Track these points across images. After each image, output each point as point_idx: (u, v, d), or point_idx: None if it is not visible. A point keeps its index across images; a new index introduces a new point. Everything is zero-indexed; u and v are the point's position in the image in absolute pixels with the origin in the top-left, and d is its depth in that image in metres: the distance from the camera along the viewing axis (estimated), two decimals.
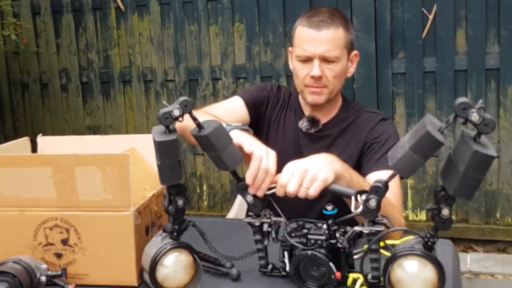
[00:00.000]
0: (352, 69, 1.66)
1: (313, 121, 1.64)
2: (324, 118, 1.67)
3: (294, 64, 1.62)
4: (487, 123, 0.90)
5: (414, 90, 2.97)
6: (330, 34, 1.54)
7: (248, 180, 1.18)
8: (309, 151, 1.58)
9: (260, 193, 1.18)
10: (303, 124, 1.66)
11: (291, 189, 1.18)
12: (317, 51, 1.54)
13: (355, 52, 1.65)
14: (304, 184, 1.18)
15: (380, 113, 1.70)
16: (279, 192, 1.19)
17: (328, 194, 1.21)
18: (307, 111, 1.69)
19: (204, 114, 1.46)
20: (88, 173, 1.19)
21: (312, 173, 1.18)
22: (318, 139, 1.65)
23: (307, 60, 1.56)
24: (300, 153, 1.57)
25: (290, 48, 1.70)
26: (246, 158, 1.22)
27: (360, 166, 1.58)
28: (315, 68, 1.54)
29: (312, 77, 1.55)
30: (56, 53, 3.59)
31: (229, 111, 1.65)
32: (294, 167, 1.21)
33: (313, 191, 1.17)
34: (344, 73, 1.62)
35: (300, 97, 1.72)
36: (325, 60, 1.55)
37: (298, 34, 1.59)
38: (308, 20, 1.57)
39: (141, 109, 3.48)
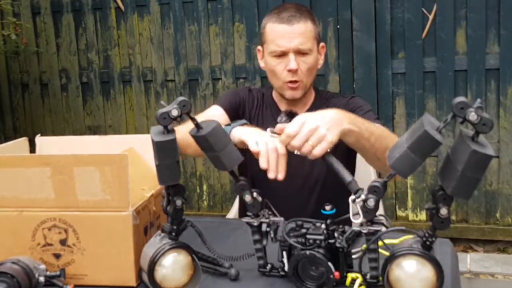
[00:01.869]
0: (321, 61, 1.72)
1: (291, 115, 1.65)
2: (300, 111, 1.71)
3: (268, 61, 1.67)
4: (485, 123, 0.90)
5: (414, 90, 2.97)
6: (301, 27, 1.61)
7: (263, 164, 1.20)
8: None
9: (280, 176, 1.21)
10: (282, 120, 1.68)
11: (296, 143, 1.19)
12: (292, 45, 1.60)
13: (322, 44, 1.72)
14: (310, 142, 1.19)
15: (348, 95, 1.83)
16: (283, 141, 1.21)
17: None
18: (283, 106, 1.75)
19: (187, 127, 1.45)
20: (86, 173, 1.19)
21: (321, 132, 1.19)
22: None
23: (282, 55, 1.62)
24: None
25: (259, 47, 1.76)
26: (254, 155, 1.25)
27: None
28: (291, 61, 1.60)
29: (290, 70, 1.61)
30: (56, 53, 3.59)
31: (210, 113, 1.70)
32: (304, 120, 1.21)
33: (318, 151, 1.19)
34: (316, 65, 1.68)
35: (274, 94, 1.78)
36: (299, 53, 1.61)
37: (270, 30, 1.65)
38: (278, 16, 1.63)
39: (141, 109, 3.48)
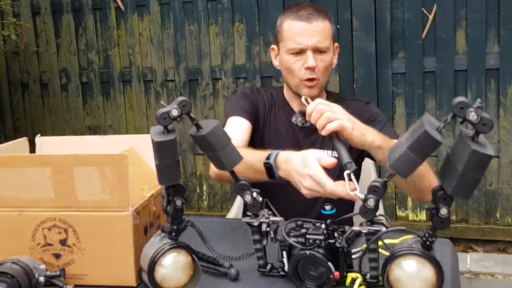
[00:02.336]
0: (335, 61, 1.73)
1: (305, 115, 1.67)
2: None
3: (285, 59, 1.66)
4: (485, 123, 0.90)
5: (414, 90, 2.97)
6: (320, 25, 1.62)
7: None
8: (307, 144, 1.64)
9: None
10: (297, 120, 1.69)
11: (318, 111, 1.33)
12: (310, 42, 1.60)
13: (336, 44, 1.73)
14: (326, 115, 1.32)
15: (361, 99, 1.82)
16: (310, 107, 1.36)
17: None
18: (295, 106, 1.73)
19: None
20: (86, 173, 1.19)
21: (340, 117, 1.32)
22: (314, 131, 1.66)
23: (300, 52, 1.62)
24: (299, 147, 1.61)
25: (273, 46, 1.75)
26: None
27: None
28: (310, 59, 1.60)
29: (308, 68, 1.61)
30: (56, 53, 3.59)
31: (238, 129, 1.67)
32: (339, 108, 1.35)
33: (329, 126, 1.31)
34: (331, 64, 1.69)
35: (286, 94, 1.77)
36: (317, 51, 1.62)
37: (288, 28, 1.65)
38: (297, 14, 1.64)
39: (141, 109, 3.48)
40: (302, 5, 1.70)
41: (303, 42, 1.61)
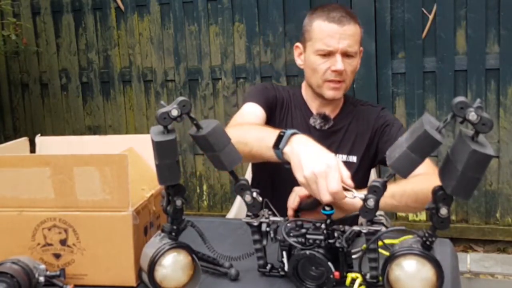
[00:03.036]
0: (358, 65, 1.70)
1: (325, 118, 1.67)
2: (332, 114, 1.72)
3: (311, 59, 1.63)
4: (485, 122, 0.90)
5: (414, 90, 2.97)
6: (351, 29, 1.59)
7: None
8: (324, 147, 1.61)
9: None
10: (316, 122, 1.69)
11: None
12: (340, 46, 1.58)
13: (361, 48, 1.70)
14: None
15: (377, 105, 1.82)
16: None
17: None
18: (314, 108, 1.72)
19: (237, 128, 1.44)
20: (86, 173, 1.19)
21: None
22: (330, 134, 1.67)
23: (328, 54, 1.59)
24: None
25: (298, 44, 1.71)
26: None
27: (372, 152, 1.68)
28: (338, 63, 1.58)
29: (335, 71, 1.59)
30: (56, 53, 3.60)
31: (251, 116, 1.61)
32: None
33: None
34: (357, 68, 1.68)
35: (305, 94, 1.74)
36: (345, 54, 1.59)
37: (319, 28, 1.61)
38: (328, 15, 1.60)
39: (141, 109, 3.49)
40: (333, 5, 1.66)
41: (333, 45, 1.58)
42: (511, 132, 2.86)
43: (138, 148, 1.42)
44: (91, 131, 3.59)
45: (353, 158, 1.66)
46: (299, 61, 1.72)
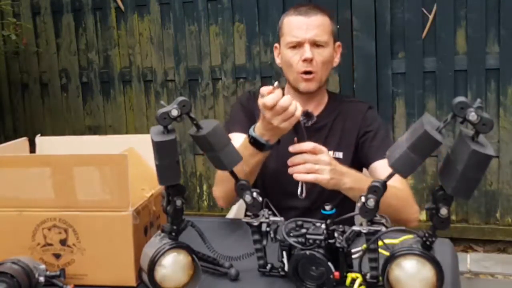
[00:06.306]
0: (337, 59, 1.74)
1: (308, 115, 1.67)
2: (315, 111, 1.72)
3: (284, 54, 1.68)
4: (485, 123, 0.90)
5: (414, 90, 2.97)
6: (318, 19, 1.64)
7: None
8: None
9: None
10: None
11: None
12: (307, 36, 1.62)
13: (338, 43, 1.74)
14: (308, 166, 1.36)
15: (364, 101, 1.82)
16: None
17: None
18: None
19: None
20: (86, 173, 1.19)
21: (322, 163, 1.36)
22: (315, 132, 1.67)
23: (298, 45, 1.64)
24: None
25: (276, 45, 1.77)
26: None
27: (358, 152, 1.69)
28: (307, 52, 1.62)
29: (305, 60, 1.62)
30: (56, 53, 3.59)
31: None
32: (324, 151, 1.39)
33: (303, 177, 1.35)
34: (331, 61, 1.70)
35: (287, 93, 1.75)
36: (314, 44, 1.63)
37: (287, 23, 1.68)
38: (295, 10, 1.67)
39: (141, 109, 3.48)
40: (302, 4, 1.74)
41: (301, 35, 1.62)
42: (511, 132, 2.86)
43: (138, 148, 1.43)
44: (91, 131, 3.59)
45: (339, 154, 1.67)
46: (278, 61, 1.76)
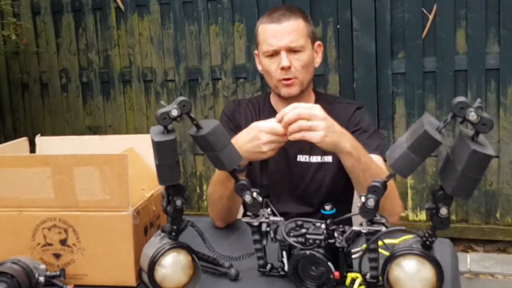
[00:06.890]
0: (318, 59, 1.72)
1: None
2: None
3: (263, 62, 1.67)
4: (485, 122, 0.90)
5: (414, 90, 2.97)
6: (291, 25, 1.61)
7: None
8: (294, 149, 1.62)
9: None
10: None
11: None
12: (282, 43, 1.60)
13: (318, 42, 1.72)
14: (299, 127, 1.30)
15: (354, 102, 1.78)
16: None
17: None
18: (281, 109, 1.70)
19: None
20: (86, 173, 1.19)
21: (317, 119, 1.31)
22: None
23: (274, 54, 1.62)
24: (285, 152, 1.63)
25: (256, 51, 1.76)
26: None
27: None
28: (283, 59, 1.60)
29: (282, 68, 1.60)
30: (56, 53, 3.59)
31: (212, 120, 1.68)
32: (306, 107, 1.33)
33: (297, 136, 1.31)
34: (311, 63, 1.67)
35: (272, 98, 1.76)
36: (291, 50, 1.61)
37: (262, 31, 1.66)
38: (268, 17, 1.65)
39: (141, 109, 3.48)
40: (276, 7, 1.71)
41: (275, 44, 1.60)
42: (511, 132, 2.86)
43: (138, 148, 1.43)
44: (91, 131, 3.59)
45: (329, 158, 1.63)
46: (259, 67, 1.74)
